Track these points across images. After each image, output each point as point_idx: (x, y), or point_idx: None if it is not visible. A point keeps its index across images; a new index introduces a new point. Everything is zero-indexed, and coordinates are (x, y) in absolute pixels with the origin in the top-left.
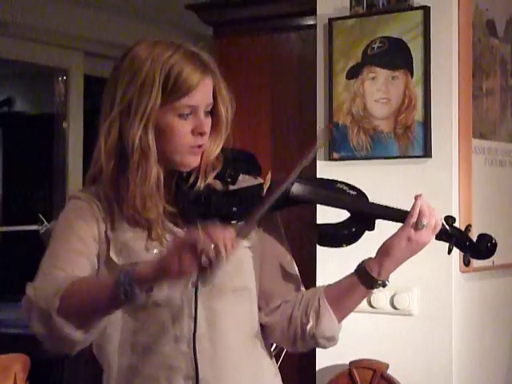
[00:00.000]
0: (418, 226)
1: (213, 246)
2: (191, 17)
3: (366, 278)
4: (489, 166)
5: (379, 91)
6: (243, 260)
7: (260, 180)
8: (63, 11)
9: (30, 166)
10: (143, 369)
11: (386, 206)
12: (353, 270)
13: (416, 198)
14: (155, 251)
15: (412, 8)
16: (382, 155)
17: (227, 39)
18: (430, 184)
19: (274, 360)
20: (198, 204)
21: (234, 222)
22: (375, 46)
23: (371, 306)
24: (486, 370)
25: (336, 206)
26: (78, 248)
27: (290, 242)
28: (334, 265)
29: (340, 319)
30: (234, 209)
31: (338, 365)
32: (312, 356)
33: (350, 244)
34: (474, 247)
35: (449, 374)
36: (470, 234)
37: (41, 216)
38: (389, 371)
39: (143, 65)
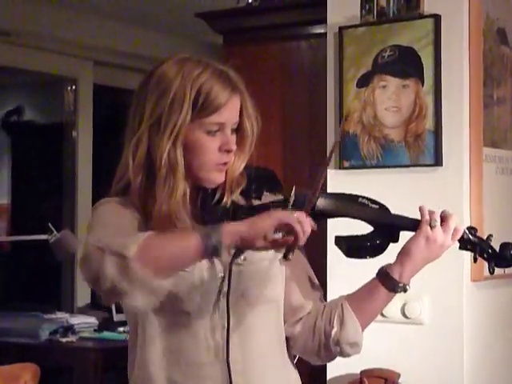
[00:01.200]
0: (431, 224)
1: (302, 231)
2: (201, 25)
3: (388, 280)
4: (500, 174)
5: (390, 100)
6: (276, 272)
7: (281, 197)
8: (73, 20)
9: (40, 175)
10: (177, 379)
11: (409, 218)
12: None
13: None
14: None
15: (422, 16)
16: (392, 164)
17: (237, 48)
18: (441, 193)
19: (297, 371)
20: (225, 219)
21: None
22: (386, 54)
23: (382, 314)
24: (497, 379)
25: (361, 219)
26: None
27: None
28: (343, 277)
29: (363, 325)
30: None
31: (348, 374)
32: (323, 365)
33: (375, 256)
34: (498, 256)
35: (460, 383)
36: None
37: (50, 225)
38: (400, 380)
39: (173, 82)
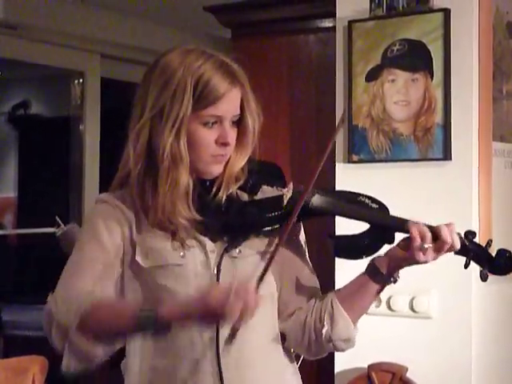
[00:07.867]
0: (422, 248)
1: (238, 312)
2: (209, 19)
3: (377, 274)
4: (509, 168)
5: (399, 93)
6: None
7: (283, 192)
8: (79, 14)
9: (47, 169)
10: (171, 371)
11: (406, 220)
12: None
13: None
14: (181, 253)
15: (432, 10)
16: (401, 158)
17: (246, 41)
18: (450, 187)
19: (295, 362)
20: (219, 213)
21: (253, 232)
22: (395, 48)
23: (390, 309)
24: (505, 373)
25: (356, 219)
26: (101, 257)
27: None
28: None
29: (354, 320)
30: (254, 219)
31: (356, 368)
32: (331, 359)
33: (367, 256)
34: (492, 263)
35: (467, 378)
36: (490, 249)
37: (57, 218)
38: (408, 374)
39: (175, 72)
